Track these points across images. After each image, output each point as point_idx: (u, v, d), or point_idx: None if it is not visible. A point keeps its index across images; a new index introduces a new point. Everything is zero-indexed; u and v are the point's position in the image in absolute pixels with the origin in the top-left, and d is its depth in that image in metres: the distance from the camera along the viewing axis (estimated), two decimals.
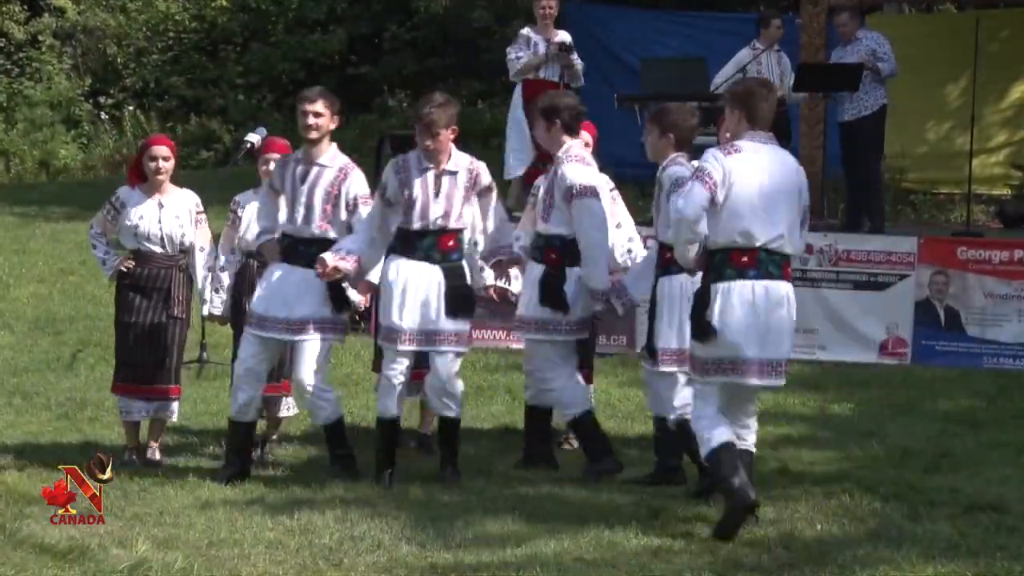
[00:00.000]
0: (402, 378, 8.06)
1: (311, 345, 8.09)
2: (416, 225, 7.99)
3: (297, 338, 8.10)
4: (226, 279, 8.81)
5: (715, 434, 7.13)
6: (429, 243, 8.01)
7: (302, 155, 8.21)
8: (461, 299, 8.04)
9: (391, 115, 20.25)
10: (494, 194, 8.24)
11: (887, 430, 9.61)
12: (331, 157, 8.21)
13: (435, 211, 7.98)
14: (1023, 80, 16.78)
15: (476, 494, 7.80)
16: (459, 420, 8.25)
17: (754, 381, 7.25)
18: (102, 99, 23.91)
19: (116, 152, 22.62)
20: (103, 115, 23.65)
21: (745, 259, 7.20)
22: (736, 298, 7.17)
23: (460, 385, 8.20)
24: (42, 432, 9.56)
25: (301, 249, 8.11)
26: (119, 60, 24.33)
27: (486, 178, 8.16)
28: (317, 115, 8.10)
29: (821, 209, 13.99)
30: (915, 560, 6.53)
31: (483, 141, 22.95)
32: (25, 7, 24.66)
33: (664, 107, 8.17)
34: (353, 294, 8.35)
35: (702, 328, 7.18)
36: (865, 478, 8.11)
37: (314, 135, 8.11)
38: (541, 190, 8.40)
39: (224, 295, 8.80)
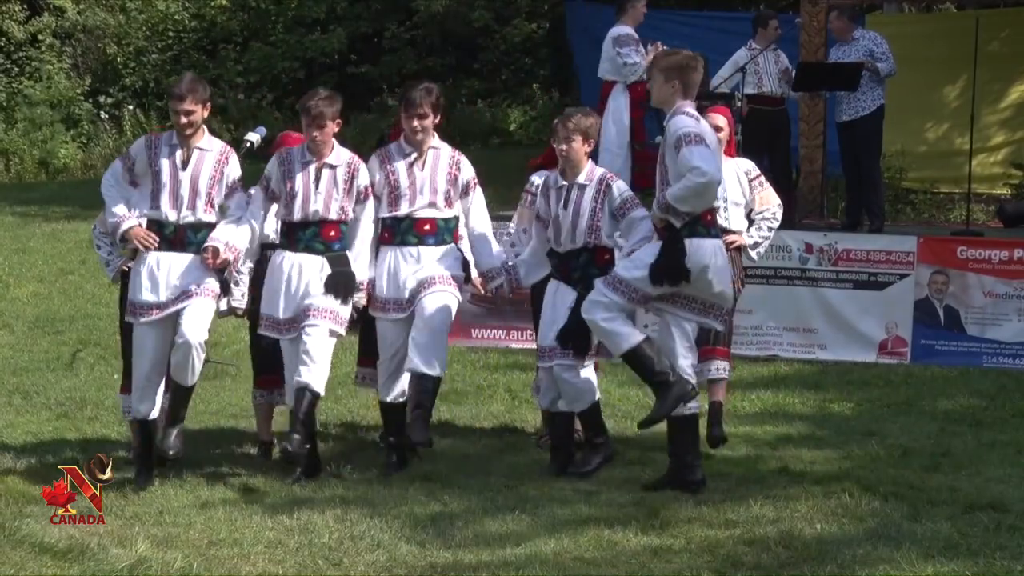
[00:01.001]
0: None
1: (197, 303, 7.97)
2: (297, 216, 8.13)
3: (183, 304, 7.98)
4: (245, 271, 8.71)
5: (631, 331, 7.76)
6: (311, 233, 8.15)
7: (178, 142, 8.14)
8: (342, 283, 8.11)
9: (391, 114, 20.27)
10: (370, 202, 8.29)
11: (887, 429, 9.60)
12: (208, 141, 8.24)
13: (315, 203, 8.12)
14: (1022, 80, 16.78)
15: (476, 493, 7.79)
16: (318, 395, 8.10)
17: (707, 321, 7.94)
18: (102, 98, 23.94)
19: (116, 151, 22.62)
20: (103, 114, 23.67)
21: (709, 217, 7.78)
22: (705, 253, 7.66)
23: (325, 360, 8.08)
24: (42, 432, 9.55)
25: (190, 235, 8.07)
26: (119, 59, 24.36)
27: (364, 178, 8.26)
28: (188, 113, 8.08)
29: (821, 209, 14.01)
30: (915, 559, 6.53)
31: (483, 140, 22.99)
32: (25, 6, 24.68)
33: (576, 113, 8.28)
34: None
35: (678, 275, 7.60)
36: (865, 477, 8.10)
37: (189, 131, 8.10)
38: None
39: (244, 288, 8.70)
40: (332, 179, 8.17)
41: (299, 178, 8.14)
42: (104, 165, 22.04)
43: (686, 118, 7.65)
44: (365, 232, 8.32)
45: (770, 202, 9.06)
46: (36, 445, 9.10)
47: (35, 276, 14.85)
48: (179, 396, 8.09)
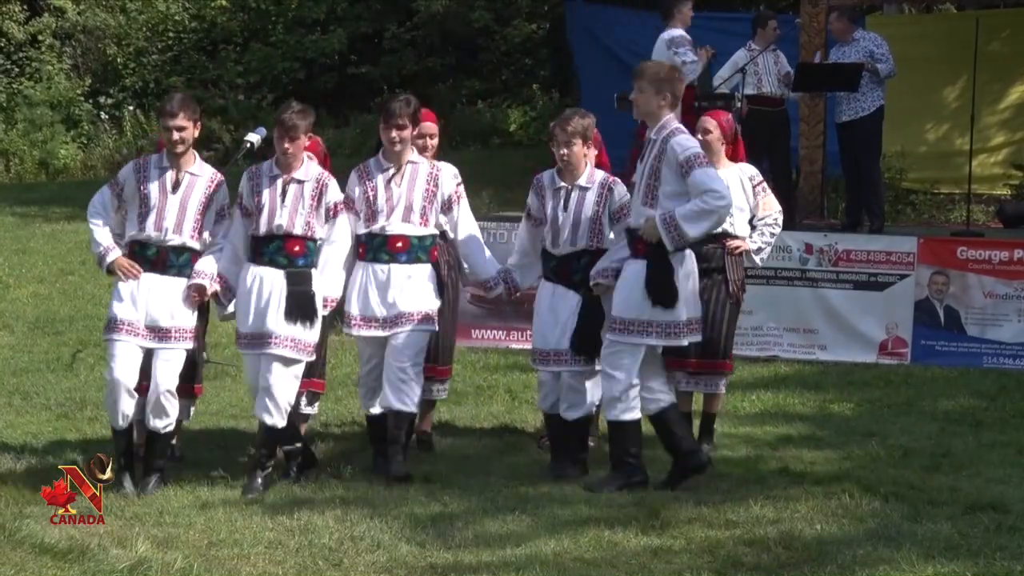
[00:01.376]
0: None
1: (178, 354, 8.05)
2: (262, 230, 8.08)
3: (158, 345, 8.01)
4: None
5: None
6: (275, 247, 8.08)
7: (168, 164, 8.12)
8: (302, 304, 8.03)
9: None
10: (340, 219, 8.18)
11: (887, 430, 9.60)
12: (199, 166, 8.22)
13: (280, 216, 8.05)
14: (1022, 80, 16.78)
15: (476, 494, 7.79)
16: (275, 428, 8.05)
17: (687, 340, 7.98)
18: (102, 99, 23.96)
19: (116, 152, 22.65)
20: (103, 115, 23.69)
21: None
22: (686, 267, 7.88)
23: (286, 394, 8.04)
24: (42, 432, 9.55)
25: (172, 258, 8.07)
26: (119, 60, 24.37)
27: (333, 195, 8.16)
28: (180, 129, 8.03)
29: (821, 209, 14.00)
30: (915, 560, 6.53)
31: (482, 140, 23.01)
32: (25, 7, 24.71)
33: (573, 116, 8.23)
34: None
35: (671, 295, 7.72)
36: (865, 478, 8.10)
37: (181, 148, 8.07)
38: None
39: None
40: (299, 194, 8.10)
41: (266, 192, 8.09)
42: (104, 166, 22.17)
43: (689, 138, 7.81)
44: (336, 249, 8.20)
45: (772, 208, 9.08)
46: (36, 446, 9.09)
47: (35, 277, 14.85)
48: (155, 444, 8.10)
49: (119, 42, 24.56)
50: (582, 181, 8.17)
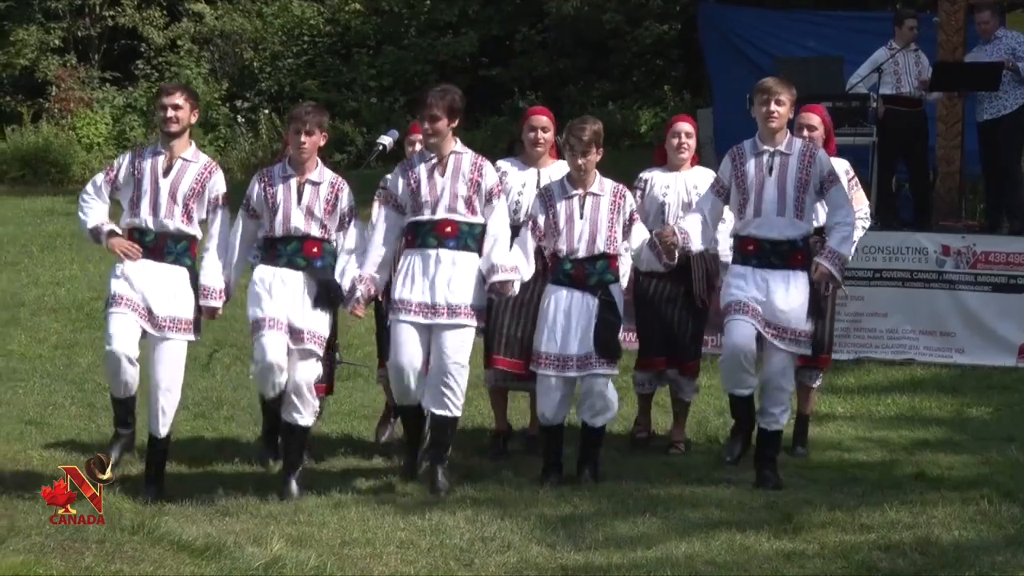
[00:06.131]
0: (280, 359, 7.91)
1: (177, 345, 8.04)
2: (279, 232, 7.99)
3: (161, 335, 7.99)
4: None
5: None
6: (293, 248, 8.00)
7: (162, 148, 8.11)
8: (330, 293, 7.98)
9: (522, 116, 20.38)
10: (352, 227, 8.09)
11: None
12: (194, 153, 8.18)
13: (296, 218, 7.97)
14: None
15: (606, 495, 7.78)
16: (308, 428, 8.12)
17: None
18: (239, 103, 24.35)
19: (252, 155, 22.99)
20: (240, 118, 24.05)
21: None
22: None
23: (313, 392, 8.07)
24: (179, 431, 9.66)
25: (170, 245, 8.03)
26: (255, 64, 24.75)
27: (346, 200, 8.07)
28: (176, 108, 8.04)
29: (959, 210, 13.77)
30: None
31: (613, 142, 22.90)
32: (165, 12, 25.23)
33: (588, 123, 8.17)
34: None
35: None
36: (1004, 483, 7.96)
37: (175, 127, 8.04)
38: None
39: None
40: (314, 196, 8.02)
41: (280, 192, 8.02)
42: (240, 168, 22.50)
43: (825, 153, 8.29)
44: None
45: (863, 202, 9.08)
46: (174, 445, 9.20)
47: None
48: (155, 446, 8.10)
49: (255, 46, 24.94)
50: (594, 188, 8.20)
